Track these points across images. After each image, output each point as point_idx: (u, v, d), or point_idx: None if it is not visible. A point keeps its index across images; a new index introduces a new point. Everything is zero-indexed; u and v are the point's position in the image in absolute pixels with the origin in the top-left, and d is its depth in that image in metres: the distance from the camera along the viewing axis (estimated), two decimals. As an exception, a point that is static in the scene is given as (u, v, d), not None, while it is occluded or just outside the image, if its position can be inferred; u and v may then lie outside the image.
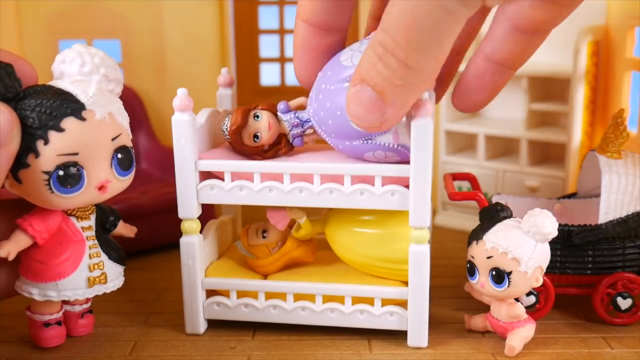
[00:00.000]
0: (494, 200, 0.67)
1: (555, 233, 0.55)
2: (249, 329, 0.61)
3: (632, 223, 0.60)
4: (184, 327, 0.61)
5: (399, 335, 0.59)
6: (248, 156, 0.59)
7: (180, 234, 0.59)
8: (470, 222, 0.71)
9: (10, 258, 0.52)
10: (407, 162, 0.54)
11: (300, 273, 0.61)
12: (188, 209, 0.58)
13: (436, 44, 0.42)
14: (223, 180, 0.58)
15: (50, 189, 0.51)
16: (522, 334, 0.57)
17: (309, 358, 0.57)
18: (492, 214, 0.57)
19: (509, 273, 0.55)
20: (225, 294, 0.61)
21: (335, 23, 0.54)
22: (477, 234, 0.57)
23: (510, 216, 0.57)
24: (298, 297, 0.60)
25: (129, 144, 0.55)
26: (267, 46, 1.09)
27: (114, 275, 0.57)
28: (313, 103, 0.56)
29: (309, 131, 0.58)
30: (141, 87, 0.91)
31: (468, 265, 0.58)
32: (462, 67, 0.59)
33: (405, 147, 0.54)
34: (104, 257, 0.56)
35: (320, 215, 0.62)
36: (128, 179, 0.55)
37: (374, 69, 0.44)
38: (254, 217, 0.66)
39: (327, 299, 0.59)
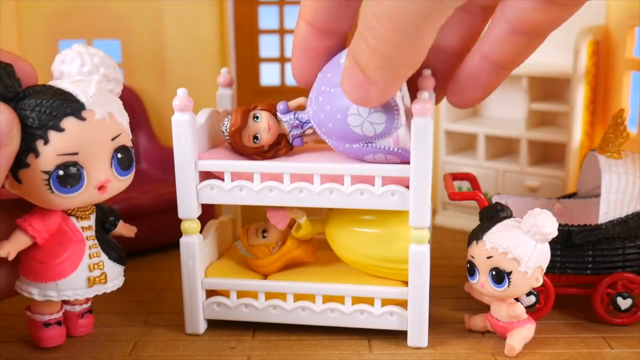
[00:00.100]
0: (494, 200, 0.67)
1: (555, 233, 0.55)
2: (249, 329, 0.61)
3: (632, 223, 0.60)
4: (184, 327, 0.61)
5: (399, 335, 0.59)
6: (248, 156, 0.59)
7: (180, 234, 0.59)
8: (470, 222, 0.71)
9: (10, 258, 0.52)
10: (408, 164, 0.54)
11: (300, 273, 0.61)
12: (188, 209, 0.58)
13: (416, 30, 0.42)
14: (223, 180, 0.58)
15: (50, 188, 0.51)
16: (522, 334, 0.57)
17: (309, 358, 0.57)
18: (492, 214, 0.57)
19: (509, 273, 0.55)
20: (225, 294, 0.61)
21: (338, 26, 0.53)
22: (477, 234, 0.57)
23: (510, 216, 0.57)
24: (298, 297, 0.60)
25: (129, 143, 0.55)
26: (267, 46, 1.09)
27: (114, 275, 0.57)
28: (313, 105, 0.56)
29: (309, 132, 0.58)
30: (141, 87, 0.91)
31: (468, 265, 0.58)
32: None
33: (405, 150, 0.54)
34: (104, 257, 0.56)
35: (320, 215, 0.62)
36: (128, 178, 0.55)
37: (358, 46, 0.45)
38: (254, 217, 0.66)
39: (327, 299, 0.59)
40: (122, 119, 0.54)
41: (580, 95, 0.77)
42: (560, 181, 0.80)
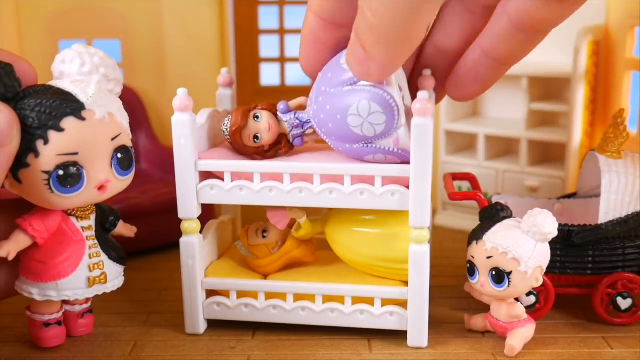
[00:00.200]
0: (494, 200, 0.67)
1: (555, 233, 0.55)
2: (249, 329, 0.61)
3: (632, 223, 0.60)
4: (184, 327, 0.61)
5: (399, 335, 0.59)
6: (248, 156, 0.59)
7: (180, 234, 0.59)
8: (470, 222, 0.71)
9: (10, 258, 0.52)
10: (408, 164, 0.54)
11: (300, 273, 0.61)
12: (188, 209, 0.58)
13: (411, 7, 0.41)
14: (223, 180, 0.58)
15: (50, 188, 0.51)
16: (522, 334, 0.57)
17: (309, 358, 0.57)
18: (492, 214, 0.57)
19: (509, 273, 0.55)
20: (225, 294, 0.61)
21: (346, 19, 0.53)
22: (477, 234, 0.57)
23: (510, 216, 0.57)
24: (298, 297, 0.60)
25: (129, 143, 0.55)
26: (267, 46, 1.09)
27: (114, 275, 0.57)
28: (313, 105, 0.56)
29: (309, 131, 0.58)
30: (141, 87, 0.91)
31: (468, 265, 0.58)
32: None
33: (405, 150, 0.54)
34: (104, 257, 0.56)
35: (320, 215, 0.62)
36: (128, 178, 0.55)
37: (358, 22, 0.45)
38: (254, 217, 0.66)
39: (327, 299, 0.59)
40: (122, 119, 0.54)
41: (580, 95, 0.77)
42: (560, 181, 0.80)
